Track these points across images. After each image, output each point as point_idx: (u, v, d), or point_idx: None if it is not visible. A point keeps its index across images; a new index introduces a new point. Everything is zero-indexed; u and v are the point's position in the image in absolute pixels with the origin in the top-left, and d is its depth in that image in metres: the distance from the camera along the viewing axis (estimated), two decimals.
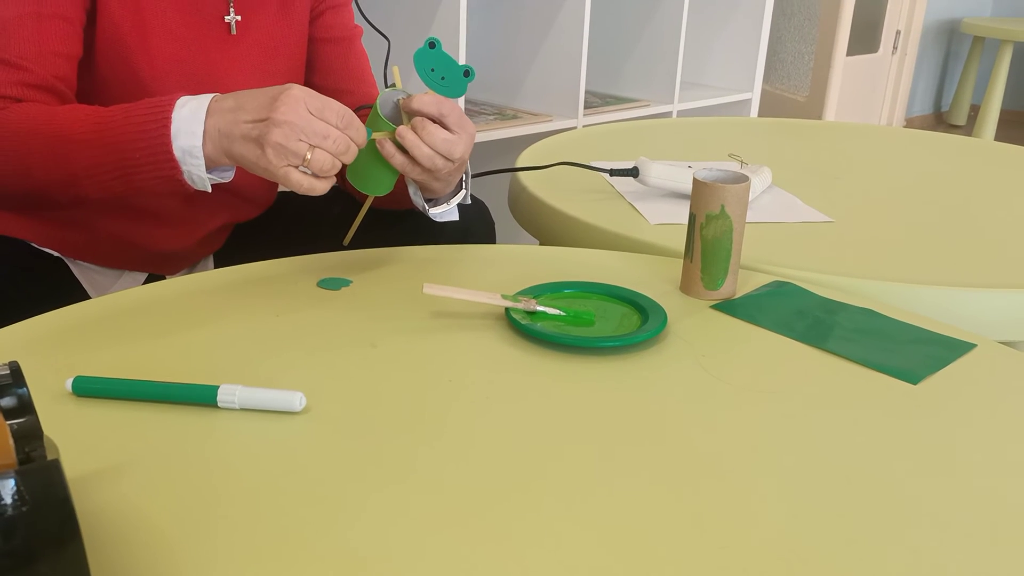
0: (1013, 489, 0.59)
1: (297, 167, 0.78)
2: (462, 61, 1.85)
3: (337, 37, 1.08)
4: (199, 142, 0.78)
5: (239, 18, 0.97)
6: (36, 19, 0.86)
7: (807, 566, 0.51)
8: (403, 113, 0.85)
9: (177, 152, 0.79)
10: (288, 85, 0.78)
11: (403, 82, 0.89)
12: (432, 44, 0.84)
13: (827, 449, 0.62)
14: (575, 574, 0.49)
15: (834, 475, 0.59)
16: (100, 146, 0.80)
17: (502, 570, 0.49)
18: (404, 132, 0.83)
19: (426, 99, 0.83)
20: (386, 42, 1.10)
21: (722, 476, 0.59)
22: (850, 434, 0.64)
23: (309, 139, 0.77)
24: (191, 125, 0.78)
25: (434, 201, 0.97)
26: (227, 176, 0.83)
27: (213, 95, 0.81)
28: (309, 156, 0.77)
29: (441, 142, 0.83)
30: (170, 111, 0.79)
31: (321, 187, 0.79)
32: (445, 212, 0.97)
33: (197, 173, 0.80)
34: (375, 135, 0.84)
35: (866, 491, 0.58)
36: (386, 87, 0.87)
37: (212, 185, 0.82)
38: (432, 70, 0.85)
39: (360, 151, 0.82)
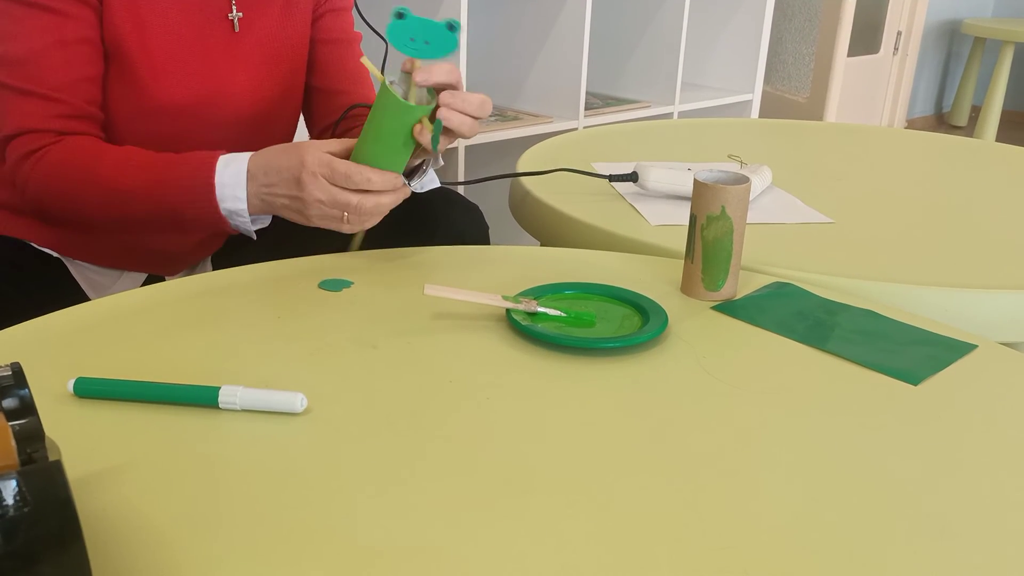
0: (1013, 490, 0.59)
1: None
2: (462, 64, 1.85)
3: (336, 39, 1.08)
4: (244, 206, 0.86)
5: (242, 15, 0.97)
6: (61, 47, 0.87)
7: (807, 567, 0.51)
8: (413, 90, 0.84)
9: (224, 212, 0.87)
10: (302, 160, 0.83)
11: (386, 71, 0.89)
12: (400, 14, 0.81)
13: (828, 450, 0.62)
14: (576, 573, 0.49)
15: (835, 476, 0.59)
16: (153, 203, 0.87)
17: (504, 571, 0.49)
18: (447, 113, 0.83)
19: (438, 69, 0.83)
20: (384, 45, 1.10)
21: (723, 477, 0.59)
22: (851, 435, 0.64)
23: (340, 208, 0.84)
24: (235, 190, 0.86)
25: (413, 176, 0.97)
26: (266, 220, 0.91)
27: (247, 158, 0.86)
28: (346, 217, 0.85)
29: (477, 106, 0.85)
30: (212, 176, 0.86)
31: (373, 223, 0.87)
32: (428, 180, 0.99)
33: (244, 227, 0.89)
34: (417, 127, 0.83)
35: (866, 492, 0.58)
36: (385, 83, 0.85)
37: None
38: (412, 40, 0.82)
39: (373, 142, 0.83)
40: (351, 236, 0.98)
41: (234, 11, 0.97)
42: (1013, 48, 4.35)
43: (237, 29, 0.97)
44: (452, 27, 0.81)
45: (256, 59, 1.00)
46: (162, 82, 0.93)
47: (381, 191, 0.84)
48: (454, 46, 0.82)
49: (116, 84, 0.92)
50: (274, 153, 0.86)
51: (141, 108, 0.93)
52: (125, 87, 0.92)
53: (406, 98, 0.84)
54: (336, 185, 0.83)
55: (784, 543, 0.52)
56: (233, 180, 0.86)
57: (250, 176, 0.86)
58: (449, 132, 0.86)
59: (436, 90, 0.85)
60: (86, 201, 0.88)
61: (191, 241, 1.07)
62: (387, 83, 0.83)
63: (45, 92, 0.87)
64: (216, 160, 0.86)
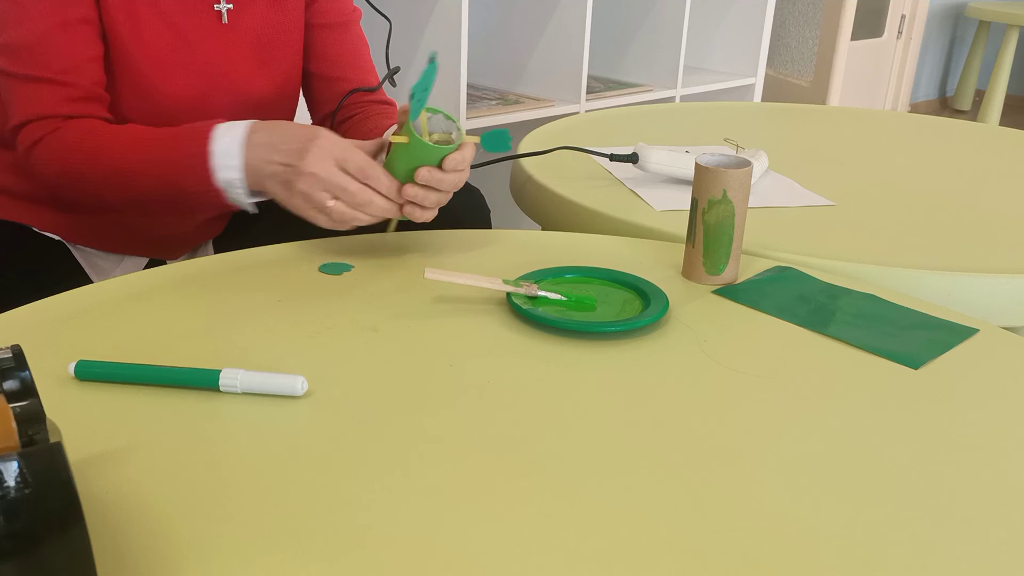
0: (1014, 474, 0.59)
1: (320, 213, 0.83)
2: (464, 48, 1.85)
3: (333, 23, 1.08)
4: (239, 175, 0.84)
5: (230, 7, 0.97)
6: (64, 28, 0.87)
7: (807, 550, 0.51)
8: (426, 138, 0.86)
9: (220, 184, 0.85)
10: (317, 133, 0.82)
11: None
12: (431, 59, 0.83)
13: (828, 433, 0.62)
14: (576, 557, 0.49)
15: (835, 459, 0.59)
16: (155, 177, 0.86)
17: (503, 552, 0.49)
18: (410, 209, 0.86)
19: (460, 157, 0.85)
20: (387, 23, 1.10)
21: (723, 460, 0.59)
22: (851, 419, 0.64)
23: (331, 191, 0.82)
24: (229, 159, 0.84)
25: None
26: (264, 196, 0.88)
27: (249, 124, 0.84)
28: (330, 204, 0.82)
29: (454, 184, 0.87)
30: (207, 144, 0.84)
31: (344, 227, 0.85)
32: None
33: (240, 200, 0.86)
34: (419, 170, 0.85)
35: (867, 475, 0.58)
36: (391, 82, 0.86)
37: None
38: (420, 101, 0.83)
39: (396, 163, 0.85)
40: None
41: (221, 2, 0.96)
42: (1018, 32, 4.32)
43: (226, 20, 0.97)
44: (432, 59, 0.83)
45: (247, 49, 0.99)
46: (158, 72, 0.93)
47: (381, 193, 0.83)
48: (434, 73, 0.84)
49: (115, 74, 0.92)
50: (290, 124, 0.84)
51: (140, 98, 0.93)
52: (123, 77, 0.92)
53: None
54: (343, 170, 0.82)
55: (784, 526, 0.53)
56: (228, 148, 0.84)
57: (249, 142, 0.84)
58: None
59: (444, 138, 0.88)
60: (95, 183, 0.88)
61: (192, 224, 1.07)
62: (419, 120, 0.85)
63: (52, 76, 0.87)
64: (212, 129, 0.85)
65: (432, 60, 0.81)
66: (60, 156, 0.87)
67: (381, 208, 0.84)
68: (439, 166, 0.84)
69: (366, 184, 0.83)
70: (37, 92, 0.87)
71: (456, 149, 0.85)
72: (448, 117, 0.88)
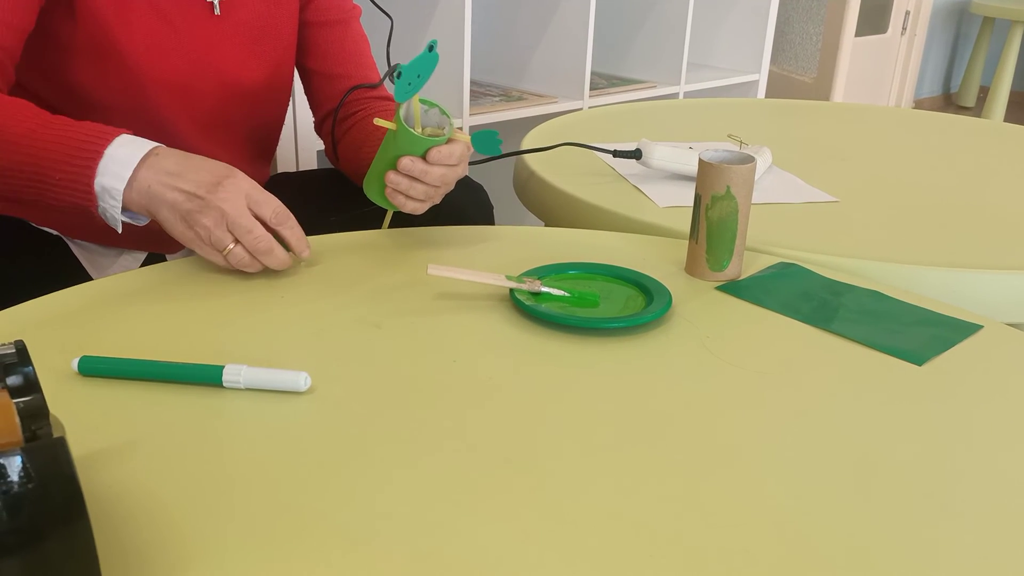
0: (1018, 469, 0.59)
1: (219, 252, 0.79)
2: (467, 44, 1.84)
3: (332, 20, 1.07)
4: (122, 186, 0.77)
5: None
6: None
7: (810, 547, 0.51)
8: (416, 132, 0.85)
9: (97, 187, 0.78)
10: (234, 172, 0.79)
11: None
12: (399, 73, 0.81)
13: (832, 430, 0.62)
14: (580, 553, 0.49)
15: (839, 456, 0.59)
16: (24, 152, 0.78)
17: (506, 546, 0.49)
18: (395, 197, 0.85)
19: (447, 151, 0.84)
20: (389, 21, 1.09)
21: (725, 456, 0.59)
22: (855, 415, 0.64)
23: (234, 232, 0.78)
24: (121, 168, 0.77)
25: None
26: (141, 221, 0.83)
27: (157, 146, 0.79)
28: (231, 246, 0.78)
29: (442, 178, 0.85)
30: (105, 146, 0.78)
31: (240, 268, 0.80)
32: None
33: (111, 213, 0.79)
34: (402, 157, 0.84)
35: (870, 472, 0.58)
36: (392, 79, 0.86)
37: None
38: (409, 84, 0.82)
39: (377, 168, 0.84)
40: (344, 212, 0.98)
41: None
42: (1022, 28, 4.31)
43: (218, 12, 0.96)
44: (431, 47, 0.81)
45: (239, 41, 0.99)
46: (144, 57, 0.92)
47: (291, 246, 0.81)
48: (434, 63, 0.82)
49: (100, 58, 0.91)
50: (205, 159, 0.80)
51: (124, 83, 0.92)
52: (109, 62, 0.91)
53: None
54: (253, 213, 0.78)
55: (786, 522, 0.53)
56: (128, 158, 0.77)
57: (149, 163, 0.78)
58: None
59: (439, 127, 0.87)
60: None
61: None
62: (409, 109, 0.85)
63: None
64: (119, 134, 0.79)
65: (431, 48, 0.80)
66: None
67: (281, 261, 0.81)
68: (424, 158, 0.84)
69: (278, 230, 0.80)
70: None
71: (444, 144, 0.85)
72: (444, 112, 0.87)
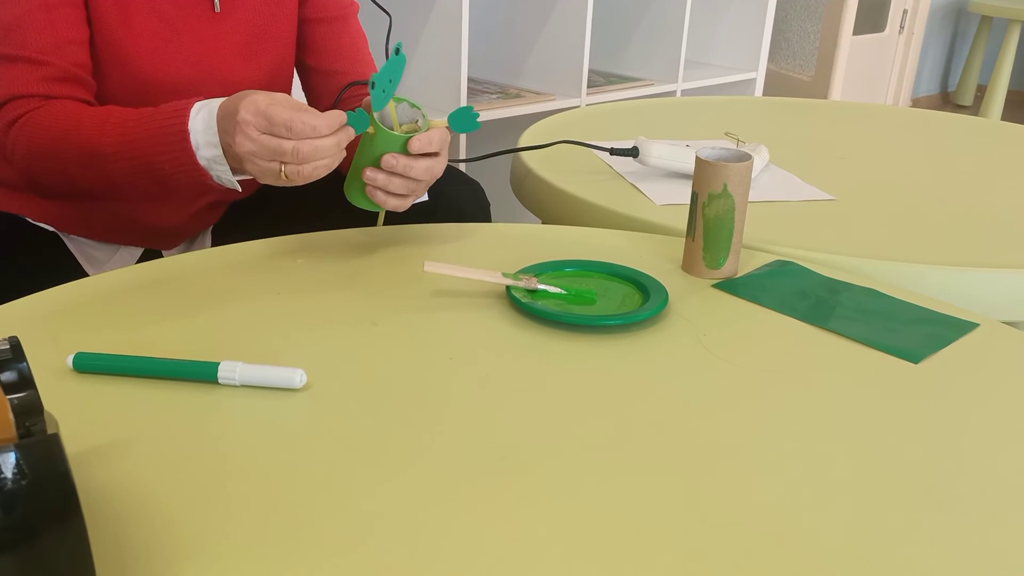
0: (1014, 468, 0.59)
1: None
2: (465, 41, 1.84)
3: (330, 16, 1.07)
4: (220, 151, 0.81)
5: None
6: (46, 10, 0.87)
7: (807, 545, 0.51)
8: (393, 127, 0.85)
9: (203, 162, 0.82)
10: (238, 107, 0.78)
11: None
12: (397, 50, 0.81)
13: (828, 428, 0.62)
14: (576, 551, 0.49)
15: (835, 453, 0.59)
16: (130, 158, 0.83)
17: (502, 544, 0.49)
18: (376, 194, 0.84)
19: (426, 139, 0.83)
20: (387, 17, 1.09)
21: (722, 454, 0.59)
22: (851, 413, 0.64)
23: (275, 159, 0.78)
24: (208, 136, 0.81)
25: None
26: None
27: (220, 102, 0.81)
28: (285, 174, 0.79)
29: (427, 171, 0.85)
30: (186, 123, 0.81)
31: (315, 178, 0.80)
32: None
33: (226, 177, 0.83)
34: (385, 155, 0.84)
35: (866, 469, 0.58)
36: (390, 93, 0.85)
37: None
38: (383, 92, 0.82)
39: (363, 155, 0.84)
40: (344, 207, 0.97)
41: None
42: (1020, 27, 4.31)
43: (218, 10, 0.97)
44: (397, 50, 0.81)
45: (239, 40, 0.99)
46: (147, 60, 0.92)
47: (323, 136, 0.79)
48: (402, 65, 0.82)
49: (102, 61, 0.91)
50: (231, 99, 0.81)
51: (127, 86, 0.93)
52: (111, 64, 0.92)
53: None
54: (271, 134, 0.77)
55: (783, 521, 0.53)
56: (205, 125, 0.80)
57: (218, 122, 0.80)
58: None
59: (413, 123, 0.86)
60: (68, 165, 0.85)
61: (186, 214, 1.07)
62: (382, 108, 0.84)
63: (30, 55, 0.86)
64: (190, 107, 0.81)
65: (398, 51, 0.81)
66: (34, 135, 0.85)
67: (330, 144, 0.79)
68: (406, 152, 0.83)
69: (303, 137, 0.78)
70: (15, 71, 0.86)
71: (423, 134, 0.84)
72: (413, 105, 0.87)
